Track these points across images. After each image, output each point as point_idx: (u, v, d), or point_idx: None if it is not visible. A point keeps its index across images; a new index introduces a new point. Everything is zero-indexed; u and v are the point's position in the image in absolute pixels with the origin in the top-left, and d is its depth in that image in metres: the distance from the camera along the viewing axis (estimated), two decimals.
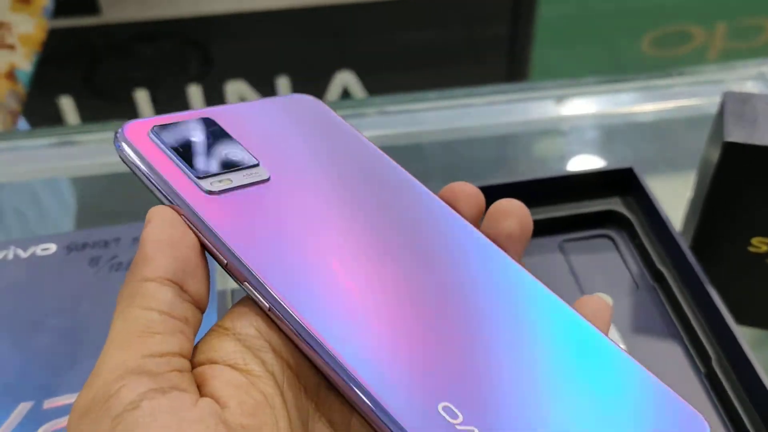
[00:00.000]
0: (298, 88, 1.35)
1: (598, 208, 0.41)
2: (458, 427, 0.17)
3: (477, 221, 0.25)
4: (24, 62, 0.69)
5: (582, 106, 0.55)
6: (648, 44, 1.41)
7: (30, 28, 0.68)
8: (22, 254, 0.37)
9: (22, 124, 0.76)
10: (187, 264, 0.20)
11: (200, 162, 0.22)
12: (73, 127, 0.87)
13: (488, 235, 0.24)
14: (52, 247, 0.38)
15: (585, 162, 0.53)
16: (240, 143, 0.24)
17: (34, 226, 0.59)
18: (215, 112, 0.25)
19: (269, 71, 1.35)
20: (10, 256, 0.37)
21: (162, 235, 0.20)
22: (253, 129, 0.25)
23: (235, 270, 0.20)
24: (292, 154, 0.24)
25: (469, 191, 0.25)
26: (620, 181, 0.41)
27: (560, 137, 0.55)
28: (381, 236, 0.22)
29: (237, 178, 0.22)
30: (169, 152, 0.22)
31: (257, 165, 0.23)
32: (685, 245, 0.37)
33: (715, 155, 0.36)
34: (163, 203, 0.22)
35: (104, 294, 0.36)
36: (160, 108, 1.37)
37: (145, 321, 0.19)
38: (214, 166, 0.22)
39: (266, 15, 1.29)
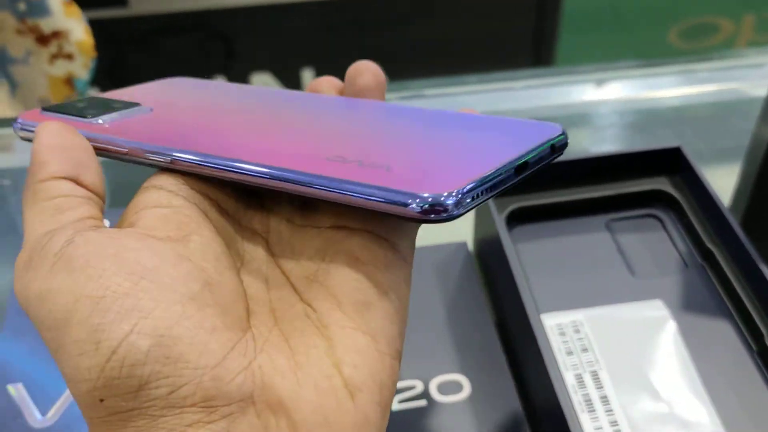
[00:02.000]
0: None
1: (645, 188, 0.41)
2: (345, 164, 0.22)
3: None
4: (82, 71, 0.70)
5: (622, 89, 0.55)
6: (675, 36, 1.39)
7: (81, 33, 0.68)
8: None
9: None
10: (79, 161, 0.23)
11: (91, 112, 0.26)
12: None
13: (349, 95, 0.27)
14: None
15: (624, 144, 0.53)
16: (123, 99, 0.28)
17: None
18: (102, 94, 0.29)
19: (293, 63, 1.35)
20: None
21: (52, 141, 0.23)
22: (135, 94, 0.30)
23: (138, 153, 0.24)
24: (168, 97, 0.30)
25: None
26: (667, 161, 0.41)
27: (599, 120, 0.54)
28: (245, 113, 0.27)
29: (123, 115, 0.27)
30: (63, 116, 0.26)
31: (138, 105, 0.27)
32: (735, 223, 0.37)
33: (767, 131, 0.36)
34: None
35: None
36: None
37: (51, 206, 0.22)
38: (102, 111, 0.27)
39: (290, 7, 1.29)
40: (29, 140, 0.26)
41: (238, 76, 1.35)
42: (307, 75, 1.35)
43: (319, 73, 1.35)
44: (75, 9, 0.68)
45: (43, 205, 0.22)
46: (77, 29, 0.68)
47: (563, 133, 0.24)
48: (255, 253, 0.24)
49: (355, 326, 0.21)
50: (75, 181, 0.23)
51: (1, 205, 0.56)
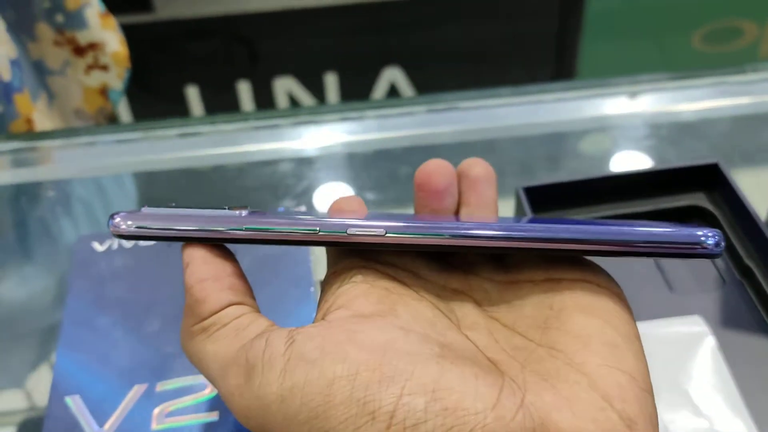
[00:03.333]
0: (345, 83, 1.36)
1: (682, 204, 0.42)
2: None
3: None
4: (116, 82, 0.71)
5: (654, 102, 0.55)
6: (698, 40, 1.39)
7: (116, 45, 0.69)
8: (126, 244, 0.39)
9: None
10: (234, 288, 0.24)
11: (213, 207, 0.25)
12: (130, 125, 0.89)
13: (464, 185, 0.27)
14: None
15: (658, 159, 0.53)
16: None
17: (101, 219, 0.61)
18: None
19: (316, 67, 1.36)
20: (115, 246, 0.39)
21: (203, 273, 0.24)
22: None
23: (330, 236, 0.23)
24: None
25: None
26: (705, 177, 0.42)
27: (632, 133, 0.55)
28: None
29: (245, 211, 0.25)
30: (177, 211, 0.24)
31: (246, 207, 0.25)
32: None
33: None
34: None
35: None
36: (209, 104, 1.39)
37: (229, 331, 0.23)
38: (222, 207, 0.25)
39: (313, 11, 1.30)
40: (126, 237, 0.24)
41: (262, 80, 1.36)
42: (330, 79, 1.36)
43: (342, 77, 1.36)
44: (111, 21, 0.69)
45: (219, 334, 0.23)
46: (113, 41, 0.69)
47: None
48: (465, 309, 0.24)
49: (611, 364, 0.21)
50: (236, 304, 0.24)
51: (44, 217, 0.57)
